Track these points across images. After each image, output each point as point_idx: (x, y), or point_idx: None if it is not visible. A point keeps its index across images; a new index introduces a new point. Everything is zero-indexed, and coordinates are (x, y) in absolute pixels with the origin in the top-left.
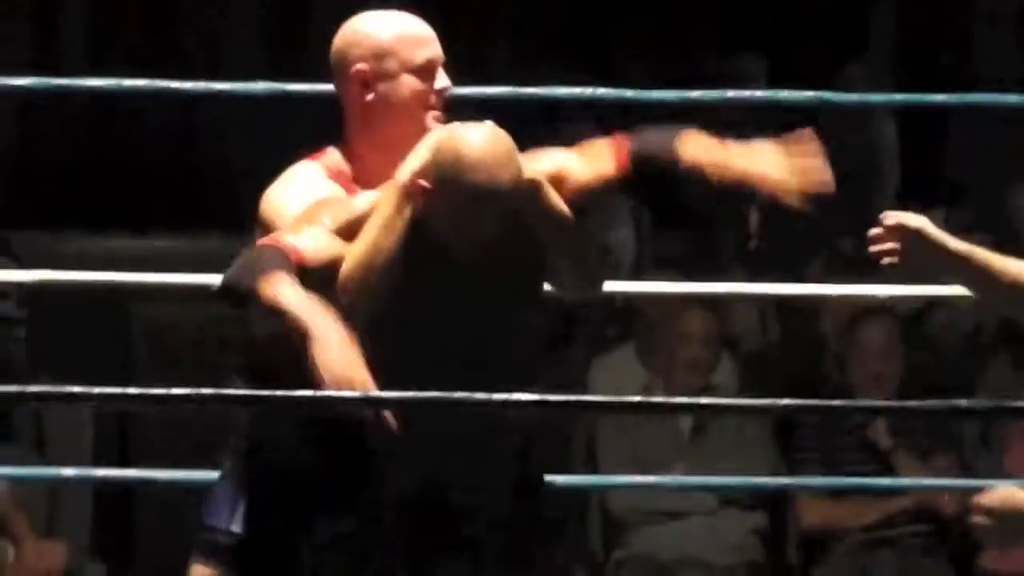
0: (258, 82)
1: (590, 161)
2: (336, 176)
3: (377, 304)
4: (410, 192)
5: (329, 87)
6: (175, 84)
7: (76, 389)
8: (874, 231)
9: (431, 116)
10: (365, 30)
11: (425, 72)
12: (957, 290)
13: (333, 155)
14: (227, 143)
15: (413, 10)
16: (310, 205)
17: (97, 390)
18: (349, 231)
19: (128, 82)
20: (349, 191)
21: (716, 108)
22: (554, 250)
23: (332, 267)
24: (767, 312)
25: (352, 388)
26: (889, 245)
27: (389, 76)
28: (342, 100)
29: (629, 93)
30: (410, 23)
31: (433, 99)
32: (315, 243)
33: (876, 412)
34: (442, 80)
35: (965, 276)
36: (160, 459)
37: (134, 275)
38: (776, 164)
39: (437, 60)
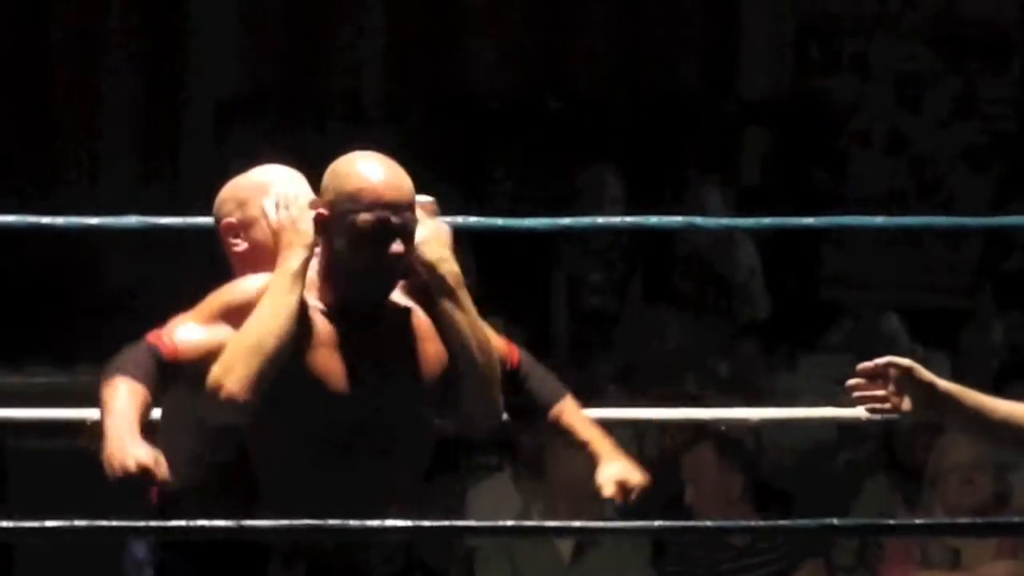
0: (131, 216)
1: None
2: None
3: (267, 386)
4: (311, 223)
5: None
6: (46, 219)
7: None
8: (860, 372)
9: None
10: (233, 183)
11: None
12: (819, 412)
13: None
14: (104, 274)
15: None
16: (209, 297)
17: None
18: (241, 316)
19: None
20: None
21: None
22: (464, 360)
23: (210, 358)
24: (645, 435)
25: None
26: (880, 392)
27: (253, 222)
28: (224, 251)
29: (500, 222)
30: (272, 171)
31: None
32: (190, 336)
33: (746, 531)
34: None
35: (957, 416)
36: None
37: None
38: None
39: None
